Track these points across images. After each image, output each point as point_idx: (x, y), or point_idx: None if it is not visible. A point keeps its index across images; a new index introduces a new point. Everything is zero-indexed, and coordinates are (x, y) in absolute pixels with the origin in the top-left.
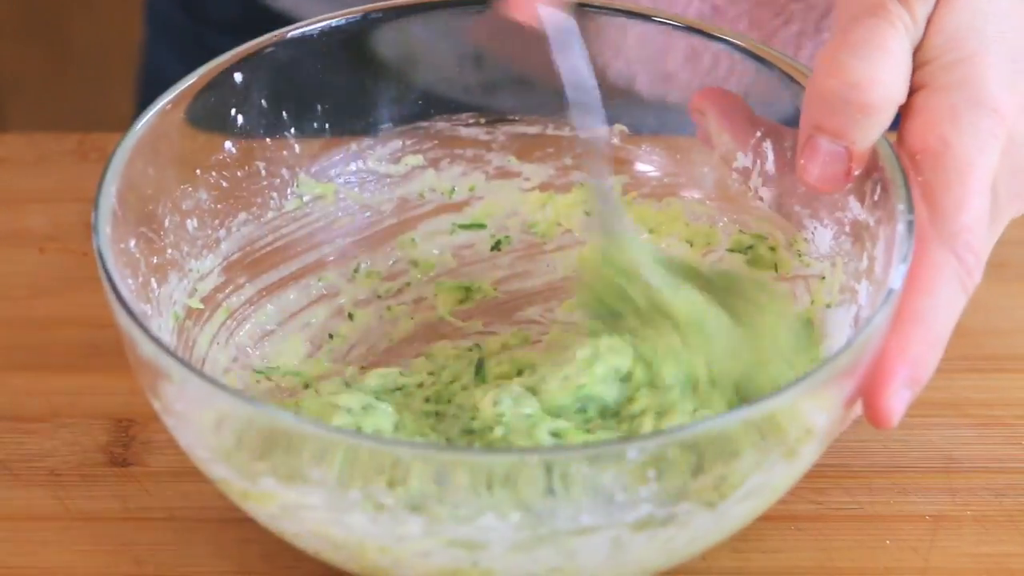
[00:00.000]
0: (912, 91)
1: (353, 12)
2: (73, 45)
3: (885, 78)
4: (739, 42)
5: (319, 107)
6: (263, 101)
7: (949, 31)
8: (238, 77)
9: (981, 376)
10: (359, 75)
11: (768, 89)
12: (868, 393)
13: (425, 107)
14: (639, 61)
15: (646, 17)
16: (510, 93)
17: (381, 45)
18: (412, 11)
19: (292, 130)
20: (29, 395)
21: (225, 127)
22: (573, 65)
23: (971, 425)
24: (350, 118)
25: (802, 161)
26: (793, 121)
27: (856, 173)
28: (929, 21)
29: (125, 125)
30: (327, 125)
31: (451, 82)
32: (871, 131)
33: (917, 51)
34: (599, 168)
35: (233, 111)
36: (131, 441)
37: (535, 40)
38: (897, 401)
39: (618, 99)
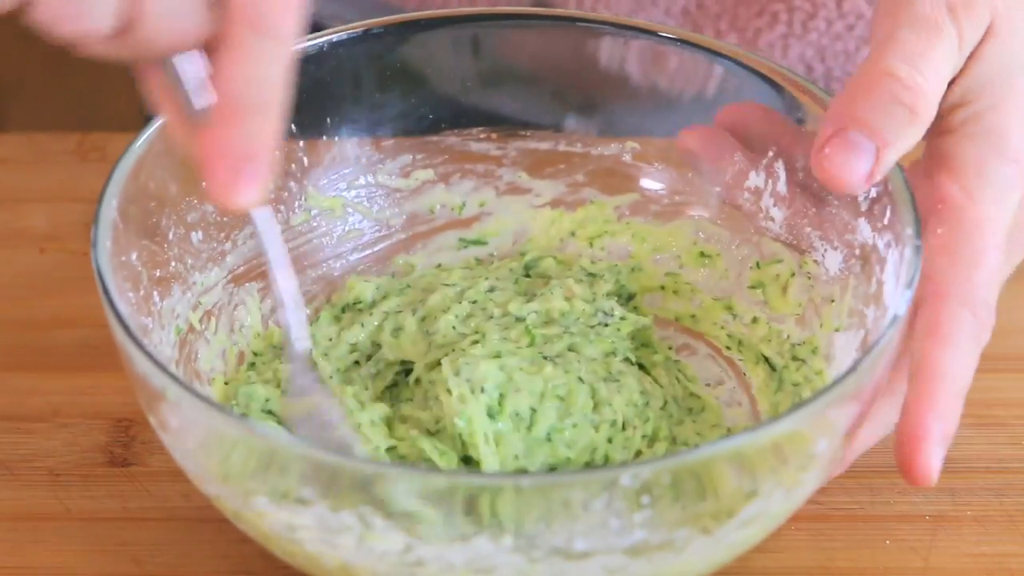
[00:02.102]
0: (942, 132)
1: (355, 27)
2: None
3: (933, 94)
4: (719, 49)
5: (328, 120)
6: None
7: (988, 74)
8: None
9: (981, 376)
10: (369, 87)
11: (750, 92)
12: (905, 453)
13: (436, 121)
14: (630, 48)
15: (634, 28)
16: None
17: (395, 55)
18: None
19: (300, 143)
20: (29, 395)
21: None
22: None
23: (971, 425)
24: (359, 131)
25: (826, 151)
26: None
27: (876, 179)
28: (971, 56)
29: (125, 125)
30: (336, 138)
31: (465, 92)
32: (907, 140)
33: (953, 84)
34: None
35: None
36: (131, 441)
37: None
38: (935, 459)
39: (610, 91)
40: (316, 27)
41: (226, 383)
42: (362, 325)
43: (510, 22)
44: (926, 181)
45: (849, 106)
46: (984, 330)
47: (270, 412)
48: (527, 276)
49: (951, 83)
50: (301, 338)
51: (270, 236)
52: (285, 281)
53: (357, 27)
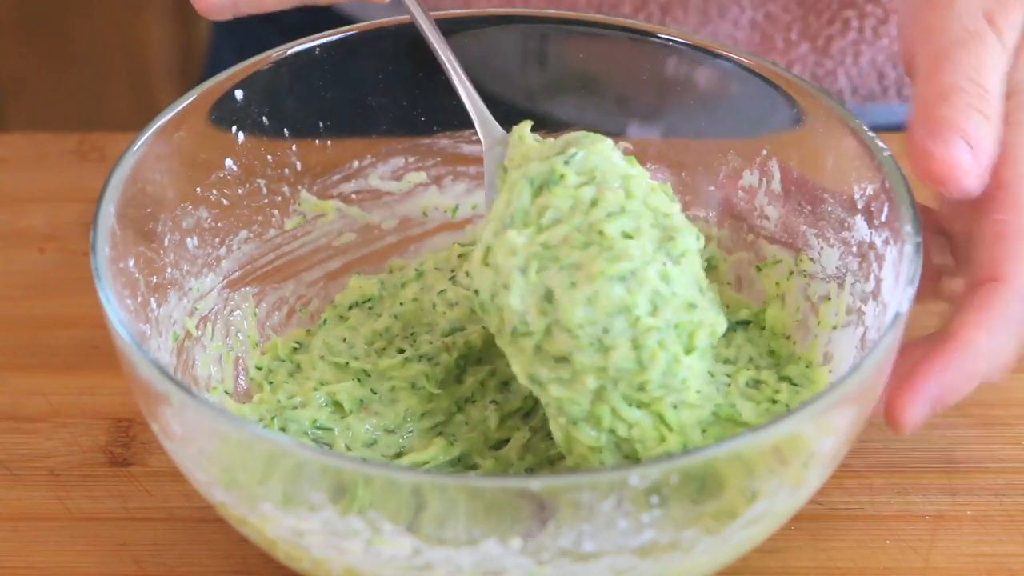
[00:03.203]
0: None
1: (353, 29)
2: (73, 45)
3: (997, 98)
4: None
5: (320, 124)
6: (264, 119)
7: None
8: (238, 95)
9: None
10: (361, 91)
11: (767, 100)
12: (893, 395)
13: (429, 123)
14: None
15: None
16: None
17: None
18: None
19: (294, 148)
20: (29, 395)
21: (226, 145)
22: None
23: (971, 425)
24: (352, 134)
25: (936, 153)
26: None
27: (982, 183)
28: (1017, 50)
29: (125, 125)
30: (329, 142)
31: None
32: (990, 143)
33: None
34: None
35: (234, 128)
36: (131, 441)
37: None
38: (918, 412)
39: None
40: (345, 21)
41: (246, 402)
42: (395, 316)
43: (575, 27)
44: None
45: (934, 113)
46: None
47: (320, 429)
48: None
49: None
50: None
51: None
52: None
53: (353, 29)
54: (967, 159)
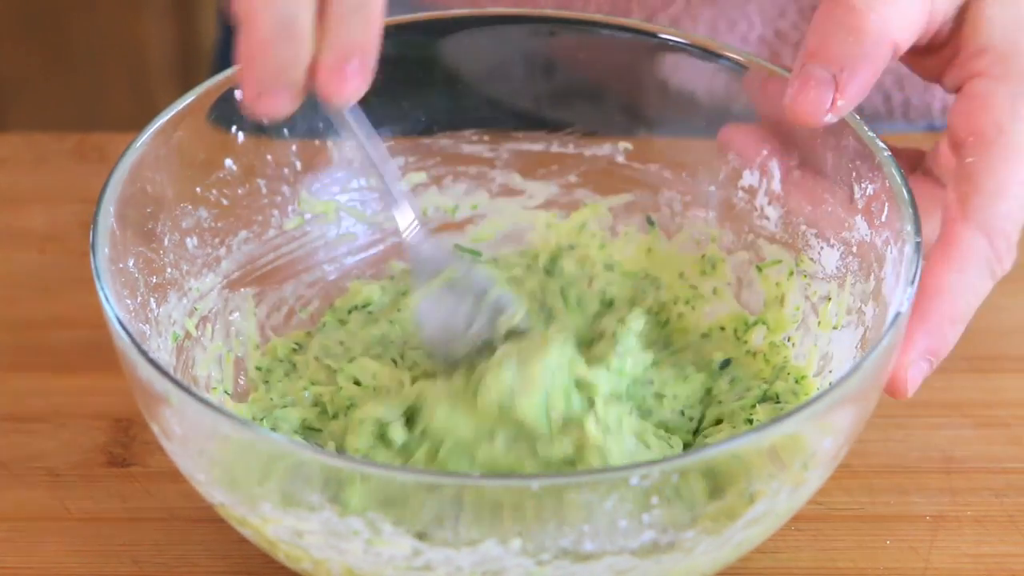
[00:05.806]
0: (973, 75)
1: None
2: (73, 45)
3: (883, 11)
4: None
5: (321, 124)
6: (264, 119)
7: (1006, 23)
8: (239, 95)
9: (981, 376)
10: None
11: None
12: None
13: (429, 123)
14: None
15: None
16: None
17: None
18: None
19: (294, 148)
20: (29, 395)
21: (226, 145)
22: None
23: (971, 425)
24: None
25: (791, 90)
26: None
27: (840, 105)
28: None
29: (125, 125)
30: (329, 142)
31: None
32: (860, 62)
33: (970, 36)
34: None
35: (234, 128)
36: (131, 441)
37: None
38: (915, 371)
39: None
40: None
41: (245, 402)
42: (392, 322)
43: (574, 27)
44: (956, 123)
45: (807, 43)
46: (999, 261)
47: (309, 430)
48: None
49: (972, 30)
50: (413, 228)
51: (365, 132)
52: (393, 175)
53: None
54: (825, 96)
